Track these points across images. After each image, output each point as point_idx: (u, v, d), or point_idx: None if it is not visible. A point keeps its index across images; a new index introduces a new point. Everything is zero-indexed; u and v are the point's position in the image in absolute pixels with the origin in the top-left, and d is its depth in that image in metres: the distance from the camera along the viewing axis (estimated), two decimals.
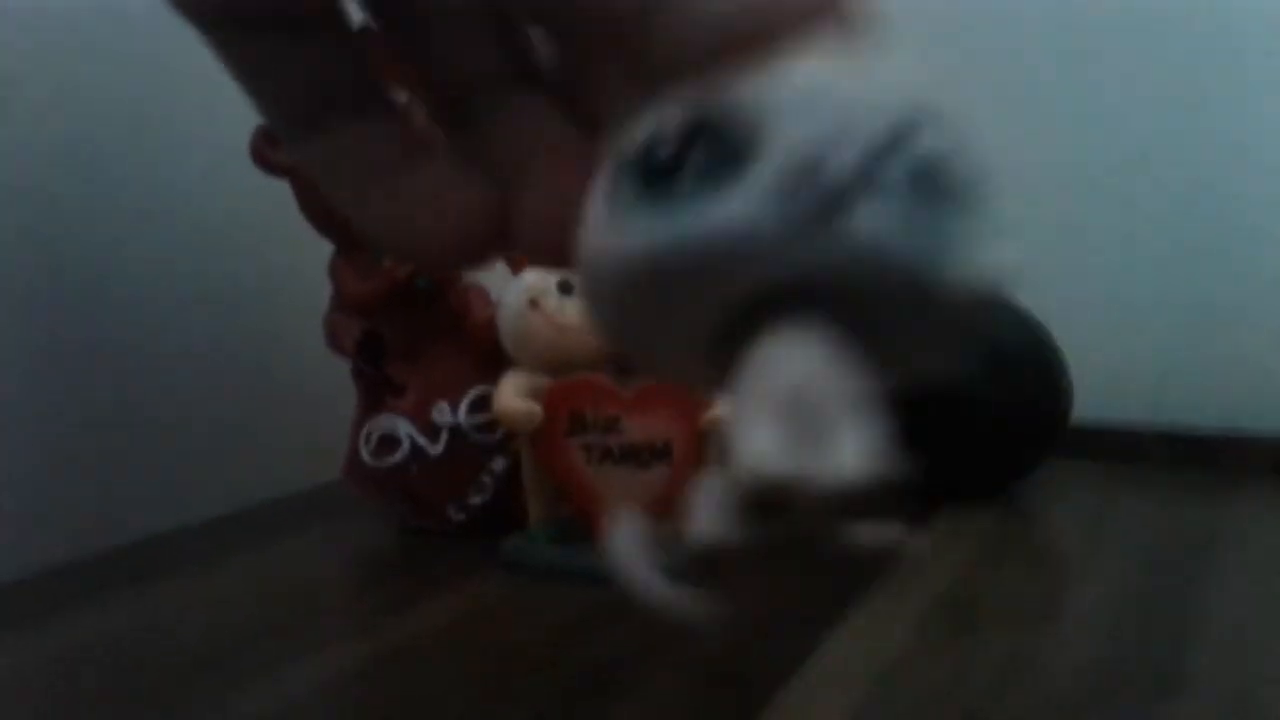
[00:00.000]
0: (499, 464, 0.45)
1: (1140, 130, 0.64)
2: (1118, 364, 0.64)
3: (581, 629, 0.34)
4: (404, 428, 0.45)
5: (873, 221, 0.12)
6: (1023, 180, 0.66)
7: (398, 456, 0.45)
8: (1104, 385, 0.59)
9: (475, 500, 0.45)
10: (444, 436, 0.44)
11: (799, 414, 0.13)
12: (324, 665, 0.33)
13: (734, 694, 0.30)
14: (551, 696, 0.30)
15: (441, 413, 0.44)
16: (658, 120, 0.13)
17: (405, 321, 0.44)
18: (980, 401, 0.48)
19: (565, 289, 0.41)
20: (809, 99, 0.13)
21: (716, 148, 0.12)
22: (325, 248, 0.46)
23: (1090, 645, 0.34)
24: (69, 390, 0.53)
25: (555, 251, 0.17)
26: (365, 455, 0.45)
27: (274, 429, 0.63)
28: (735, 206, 0.12)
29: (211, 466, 0.59)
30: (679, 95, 0.13)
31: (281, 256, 0.61)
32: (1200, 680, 0.31)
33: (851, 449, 0.13)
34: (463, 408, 0.44)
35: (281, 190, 0.45)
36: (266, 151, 0.44)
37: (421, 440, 0.44)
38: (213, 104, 0.56)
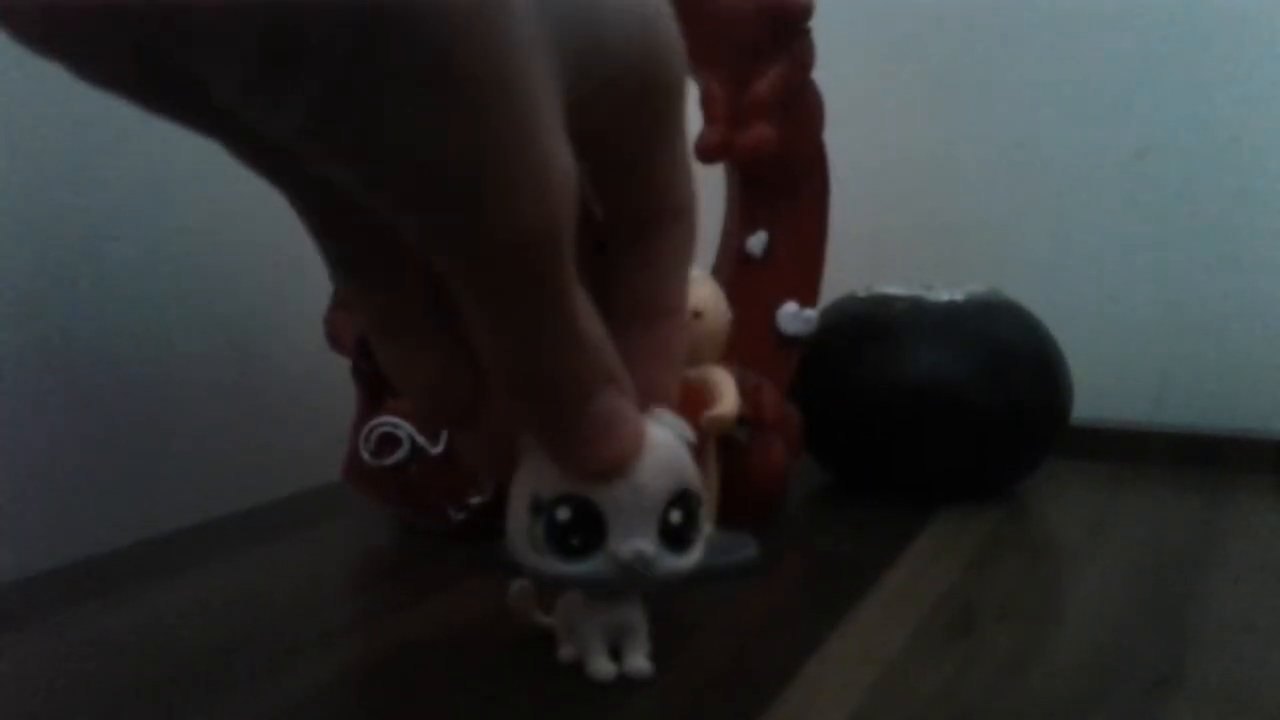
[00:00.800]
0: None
1: (1142, 127, 0.64)
2: (1118, 363, 0.64)
3: (544, 634, 0.34)
4: (404, 427, 0.45)
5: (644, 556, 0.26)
6: (1023, 179, 0.66)
7: (398, 456, 0.45)
8: (1104, 384, 0.59)
9: (475, 500, 0.45)
10: (444, 436, 0.44)
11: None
12: (325, 666, 0.33)
13: (735, 695, 0.30)
14: (550, 698, 0.30)
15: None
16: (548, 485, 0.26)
17: None
18: (980, 400, 0.48)
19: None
20: (625, 509, 0.26)
21: (586, 528, 0.26)
22: None
23: (1091, 644, 0.34)
24: (67, 391, 0.53)
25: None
26: (365, 455, 0.45)
27: (273, 429, 0.63)
28: (594, 565, 0.26)
29: (210, 467, 0.59)
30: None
31: (282, 253, 0.61)
32: (1201, 679, 0.31)
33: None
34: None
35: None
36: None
37: (421, 440, 0.44)
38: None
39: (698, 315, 0.39)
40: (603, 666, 0.30)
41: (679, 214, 0.25)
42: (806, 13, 0.45)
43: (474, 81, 0.17)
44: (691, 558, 0.27)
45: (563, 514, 0.26)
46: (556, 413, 0.23)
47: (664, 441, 0.26)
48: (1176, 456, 0.57)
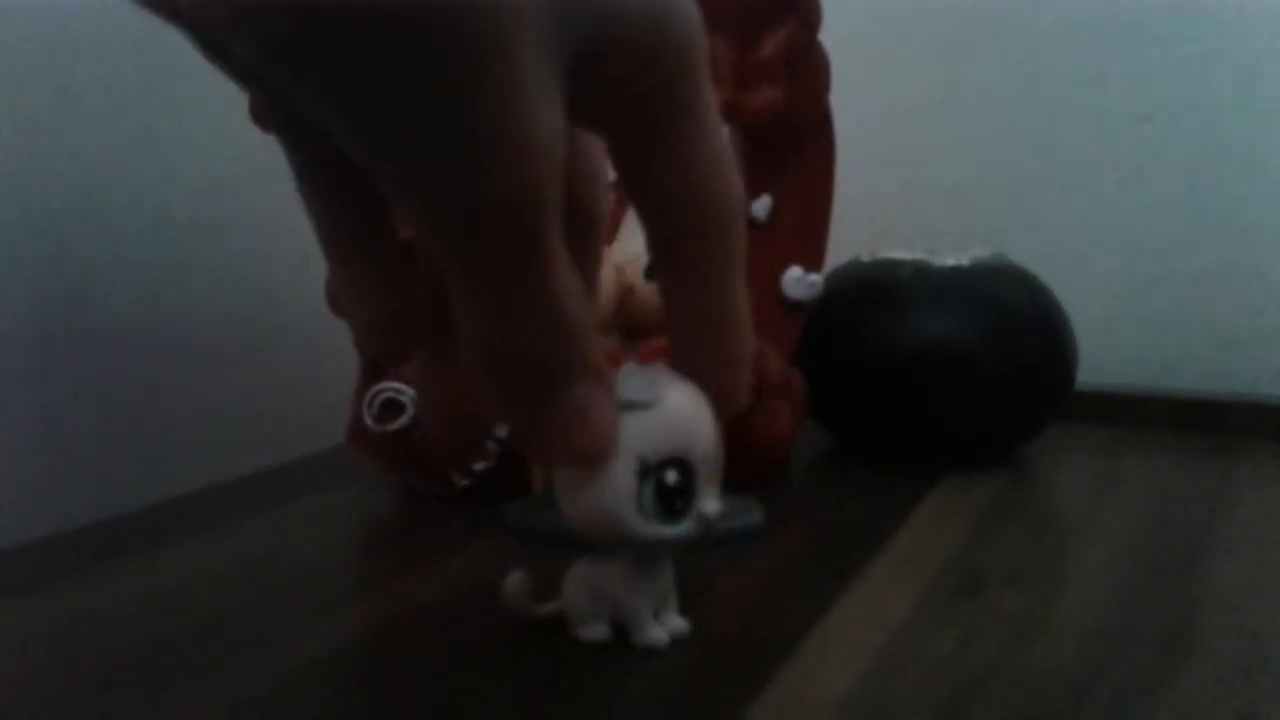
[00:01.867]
0: (503, 429, 0.44)
1: (1147, 92, 0.64)
2: (1123, 327, 0.63)
3: (542, 624, 0.34)
4: (407, 393, 0.44)
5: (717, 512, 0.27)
6: (1028, 144, 0.65)
7: (401, 421, 0.45)
8: (1109, 349, 0.59)
9: (479, 466, 0.45)
10: None
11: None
12: (328, 632, 0.33)
13: (743, 660, 0.30)
14: (557, 664, 0.30)
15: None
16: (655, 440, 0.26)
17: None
18: (985, 365, 0.48)
19: (650, 274, 0.42)
20: (709, 472, 0.27)
21: (685, 491, 0.27)
22: None
23: (1097, 608, 0.34)
24: (69, 356, 0.53)
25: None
26: (369, 420, 0.45)
27: (276, 394, 0.63)
28: (687, 525, 0.27)
29: (213, 433, 0.59)
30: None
31: (282, 218, 0.60)
32: (1208, 642, 0.31)
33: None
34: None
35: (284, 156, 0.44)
36: (264, 109, 0.43)
37: None
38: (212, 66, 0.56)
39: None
40: (656, 633, 0.30)
41: (720, 224, 0.25)
42: None
43: (455, 42, 0.17)
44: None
45: (671, 477, 0.26)
46: (529, 393, 0.23)
47: (699, 397, 0.27)
48: (1181, 421, 0.57)
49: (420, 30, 0.17)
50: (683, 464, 0.26)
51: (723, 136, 0.24)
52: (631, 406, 0.26)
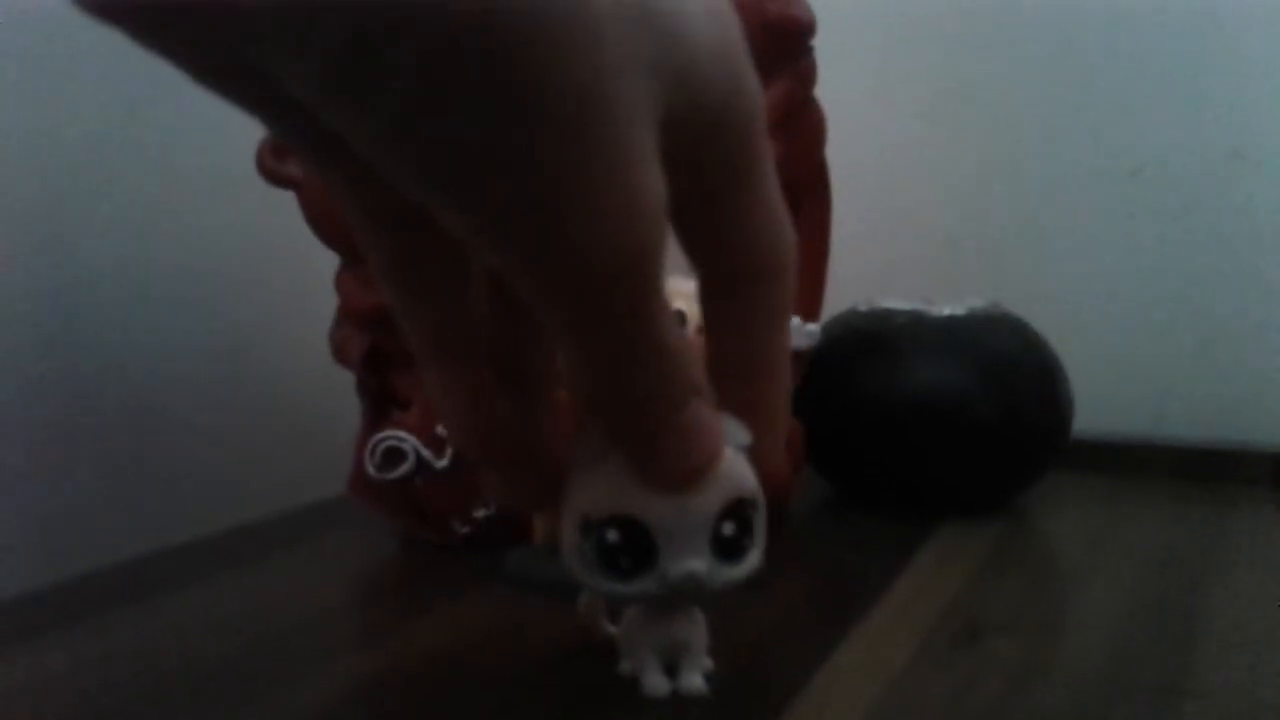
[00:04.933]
0: None
1: (1138, 144, 0.65)
2: (1119, 376, 0.64)
3: (588, 642, 0.34)
4: (409, 441, 0.45)
5: (695, 576, 0.26)
6: (1023, 195, 0.66)
7: (403, 470, 0.45)
8: (1106, 398, 0.60)
9: (479, 514, 0.45)
10: (449, 450, 0.44)
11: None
12: (329, 680, 0.33)
13: (742, 708, 0.30)
14: (562, 712, 0.30)
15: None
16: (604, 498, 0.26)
17: None
18: (981, 414, 0.49)
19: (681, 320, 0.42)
20: (674, 528, 0.25)
21: (637, 549, 0.26)
22: (332, 260, 0.47)
23: (1096, 655, 0.34)
24: (69, 406, 0.53)
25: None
26: (371, 469, 0.45)
27: (279, 443, 0.63)
28: (645, 584, 0.26)
29: (215, 480, 0.59)
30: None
31: (287, 269, 0.61)
32: (1205, 691, 0.31)
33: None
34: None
35: (287, 202, 0.45)
36: (272, 162, 0.44)
37: (426, 454, 0.45)
38: (218, 111, 0.57)
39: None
40: (656, 683, 0.30)
41: (771, 273, 0.25)
42: (810, 29, 0.45)
43: (561, 105, 0.17)
44: (747, 565, 0.27)
45: (612, 536, 0.25)
46: (645, 427, 0.23)
47: None
48: (1178, 470, 0.57)
49: (523, 78, 0.17)
50: (630, 523, 0.25)
51: (778, 195, 0.25)
52: (579, 465, 0.26)
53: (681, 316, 0.36)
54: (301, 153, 0.22)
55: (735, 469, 0.26)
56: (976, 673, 0.33)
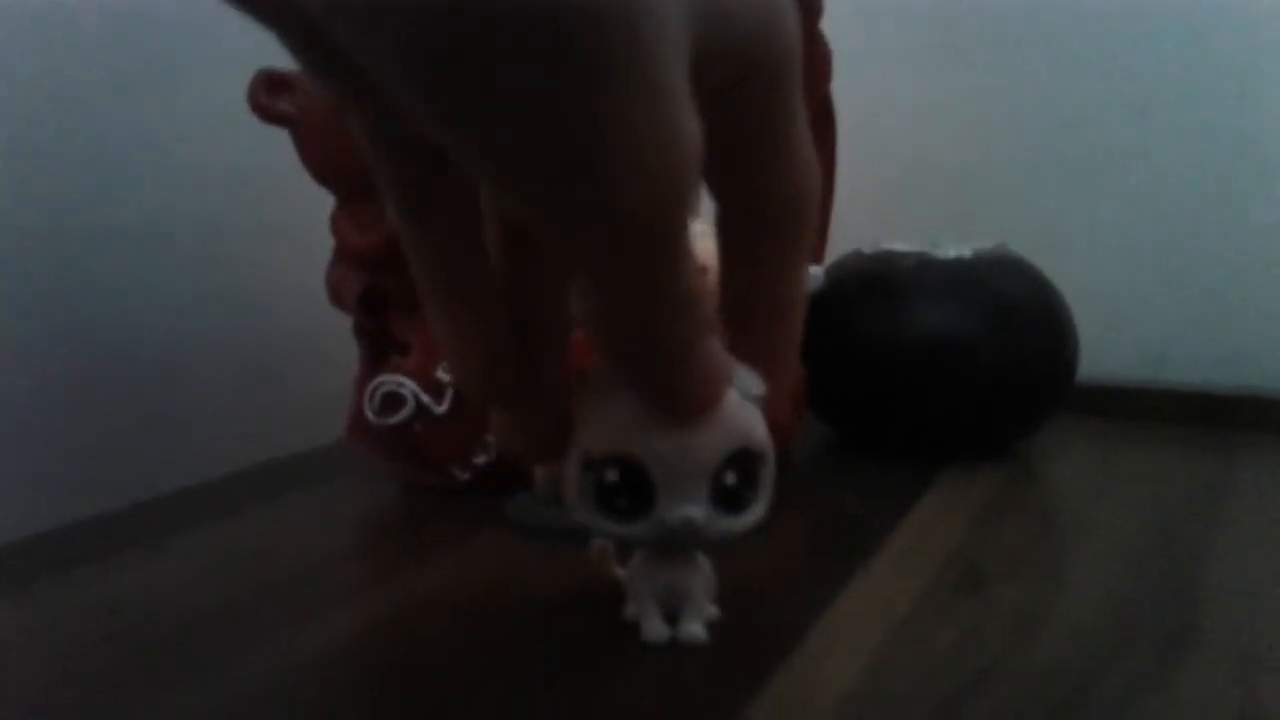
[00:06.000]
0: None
1: (1148, 82, 0.63)
2: (1125, 320, 0.63)
3: (589, 588, 0.34)
4: (408, 386, 0.44)
5: (692, 522, 0.26)
6: (1030, 136, 0.65)
7: (402, 415, 0.44)
8: (1111, 342, 0.59)
9: (480, 459, 0.45)
10: (449, 395, 0.44)
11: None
12: (328, 627, 0.33)
13: (745, 655, 0.30)
14: (559, 657, 0.30)
15: (446, 371, 0.44)
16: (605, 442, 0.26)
17: (409, 276, 0.43)
18: (986, 357, 0.48)
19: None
20: (673, 472, 0.25)
21: (635, 490, 0.25)
22: (328, 199, 0.46)
23: (1100, 602, 0.34)
24: (68, 351, 0.53)
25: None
26: (370, 414, 0.45)
27: (277, 388, 0.63)
28: (641, 527, 0.26)
29: (213, 427, 0.59)
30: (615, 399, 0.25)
31: (282, 210, 0.60)
32: (1210, 636, 0.31)
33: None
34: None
35: (282, 139, 0.44)
36: (266, 99, 0.43)
37: (426, 399, 0.44)
38: (210, 51, 0.56)
39: (705, 271, 0.39)
40: (654, 629, 0.30)
41: (795, 212, 0.25)
42: None
43: (609, 54, 0.17)
44: (750, 517, 0.27)
45: (611, 475, 0.25)
46: (664, 365, 0.23)
47: (725, 401, 0.25)
48: (1181, 415, 0.57)
49: (568, 39, 0.17)
50: (627, 464, 0.25)
51: (808, 139, 0.24)
52: (589, 402, 0.26)
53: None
54: (324, 82, 0.22)
55: (743, 419, 0.25)
56: (980, 619, 0.32)
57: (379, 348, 0.46)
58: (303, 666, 0.30)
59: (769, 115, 0.23)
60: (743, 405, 0.25)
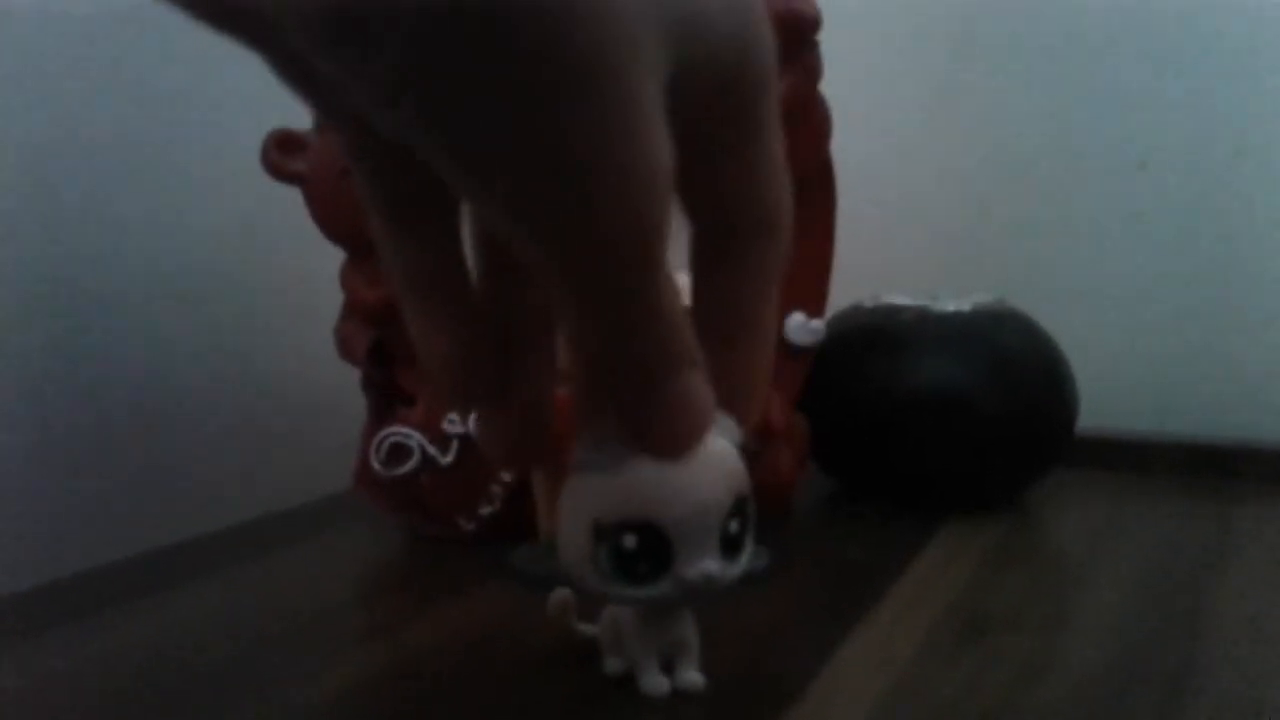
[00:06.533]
0: (508, 474, 0.45)
1: (1144, 139, 0.64)
2: (1125, 372, 0.64)
3: (581, 645, 0.34)
4: (415, 438, 0.45)
5: (711, 577, 0.26)
6: (1029, 191, 0.66)
7: (408, 466, 0.45)
8: (1111, 393, 0.59)
9: (484, 510, 0.45)
10: (454, 446, 0.45)
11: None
12: (335, 676, 0.33)
13: (747, 704, 0.30)
14: (560, 710, 0.30)
15: (452, 423, 0.45)
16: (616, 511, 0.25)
17: None
18: (987, 409, 0.49)
19: None
20: (691, 530, 0.25)
21: (653, 553, 0.25)
22: (337, 255, 0.47)
23: (1103, 652, 0.34)
24: (76, 402, 0.53)
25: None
26: (376, 465, 0.45)
27: (285, 439, 0.63)
28: (662, 588, 0.26)
29: (221, 477, 0.59)
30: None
31: (293, 265, 0.61)
32: (1213, 684, 0.31)
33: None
34: (473, 417, 0.44)
35: (293, 197, 0.45)
36: (278, 157, 0.44)
37: (432, 450, 0.45)
38: (223, 107, 0.57)
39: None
40: (657, 683, 0.30)
41: (767, 228, 0.24)
42: (816, 24, 0.45)
43: (573, 76, 0.17)
44: (743, 561, 0.27)
45: (629, 542, 0.25)
46: (638, 391, 0.23)
47: (720, 450, 0.25)
48: (1183, 467, 0.57)
49: (528, 47, 0.17)
50: (647, 528, 0.25)
51: (780, 146, 0.24)
52: (589, 466, 0.25)
53: None
54: (297, 89, 0.22)
55: (737, 465, 0.26)
56: (982, 668, 0.33)
57: (386, 400, 0.47)
58: (306, 716, 0.31)
59: (744, 129, 0.23)
60: (733, 453, 0.26)
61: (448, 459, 0.45)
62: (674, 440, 0.23)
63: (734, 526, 0.26)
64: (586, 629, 0.33)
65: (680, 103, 0.20)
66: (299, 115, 0.21)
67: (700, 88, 0.21)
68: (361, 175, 0.23)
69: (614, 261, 0.20)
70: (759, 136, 0.23)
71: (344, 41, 0.17)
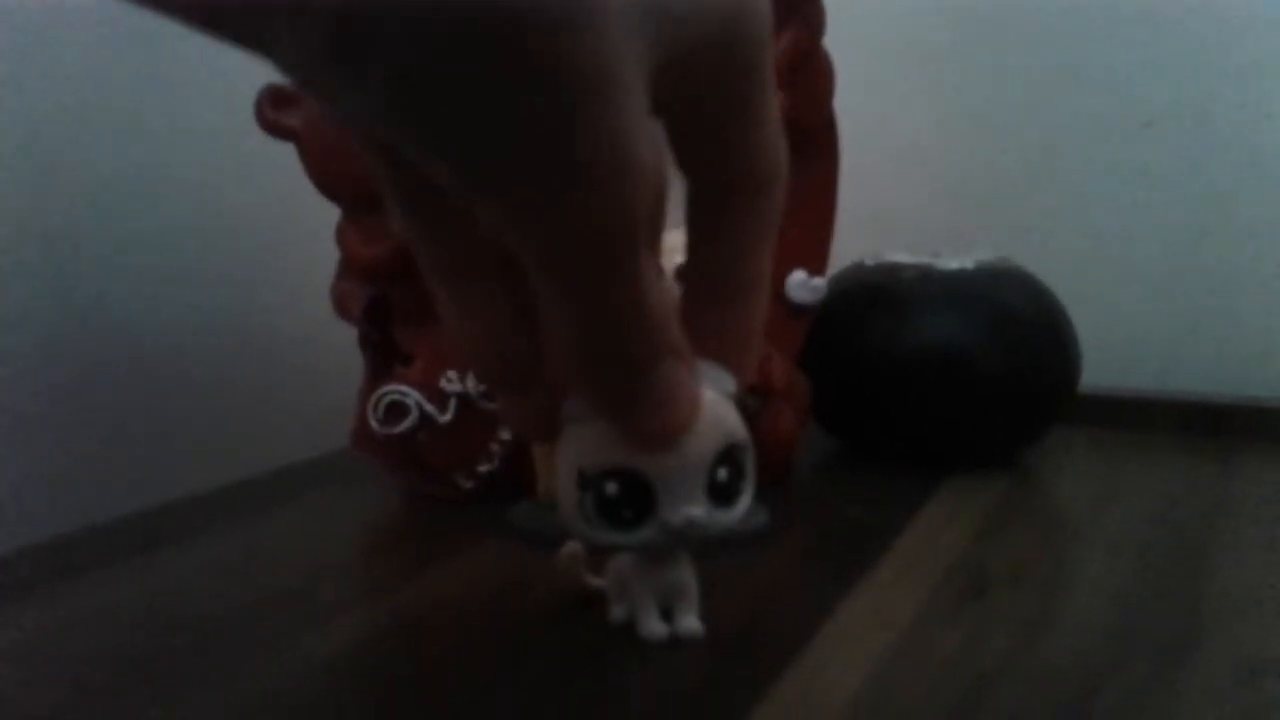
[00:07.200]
0: (507, 432, 0.44)
1: (1149, 97, 0.64)
2: (1127, 330, 0.63)
3: (590, 596, 0.34)
4: (412, 396, 0.44)
5: (695, 522, 0.26)
6: (1032, 148, 0.65)
7: (406, 424, 0.45)
8: (1113, 352, 0.59)
9: (483, 468, 0.45)
10: (452, 404, 0.44)
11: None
12: (333, 635, 0.33)
13: (748, 662, 0.30)
14: (561, 665, 0.30)
15: (450, 381, 0.44)
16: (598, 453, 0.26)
17: (414, 287, 0.43)
18: (988, 368, 0.48)
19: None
20: (671, 476, 0.26)
21: (636, 499, 0.26)
22: (333, 212, 0.46)
23: (1102, 609, 0.34)
24: (73, 363, 0.53)
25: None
26: (374, 423, 0.45)
27: (282, 397, 0.63)
28: (646, 533, 0.27)
29: (219, 435, 0.59)
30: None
31: (290, 221, 0.61)
32: (1213, 640, 0.31)
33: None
34: (471, 375, 0.44)
35: (288, 153, 0.44)
36: (272, 114, 0.44)
37: (430, 408, 0.44)
38: (216, 65, 0.56)
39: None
40: (655, 627, 0.30)
41: (764, 184, 0.25)
42: None
43: (561, 82, 0.18)
44: (740, 508, 0.28)
45: (611, 488, 0.26)
46: (620, 381, 0.24)
47: (707, 400, 0.26)
48: (1185, 424, 0.57)
49: (524, 61, 0.17)
50: (629, 474, 0.26)
51: (776, 105, 0.24)
52: (572, 419, 0.26)
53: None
54: (302, 88, 0.22)
55: (726, 416, 0.26)
56: (982, 627, 0.32)
57: (383, 358, 0.46)
58: (306, 674, 0.31)
59: (739, 95, 0.23)
60: (722, 402, 0.26)
61: (446, 417, 0.44)
62: (657, 429, 0.24)
63: (722, 474, 0.27)
64: (596, 581, 0.33)
65: (675, 78, 0.21)
66: None
67: (694, 64, 0.22)
68: (381, 169, 0.24)
69: (598, 254, 0.20)
70: (754, 100, 0.24)
71: (340, 58, 0.17)
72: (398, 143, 0.19)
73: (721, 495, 0.27)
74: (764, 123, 0.24)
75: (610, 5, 0.18)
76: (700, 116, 0.23)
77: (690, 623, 0.31)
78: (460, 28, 0.17)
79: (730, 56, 0.22)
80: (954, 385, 0.49)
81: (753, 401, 0.44)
